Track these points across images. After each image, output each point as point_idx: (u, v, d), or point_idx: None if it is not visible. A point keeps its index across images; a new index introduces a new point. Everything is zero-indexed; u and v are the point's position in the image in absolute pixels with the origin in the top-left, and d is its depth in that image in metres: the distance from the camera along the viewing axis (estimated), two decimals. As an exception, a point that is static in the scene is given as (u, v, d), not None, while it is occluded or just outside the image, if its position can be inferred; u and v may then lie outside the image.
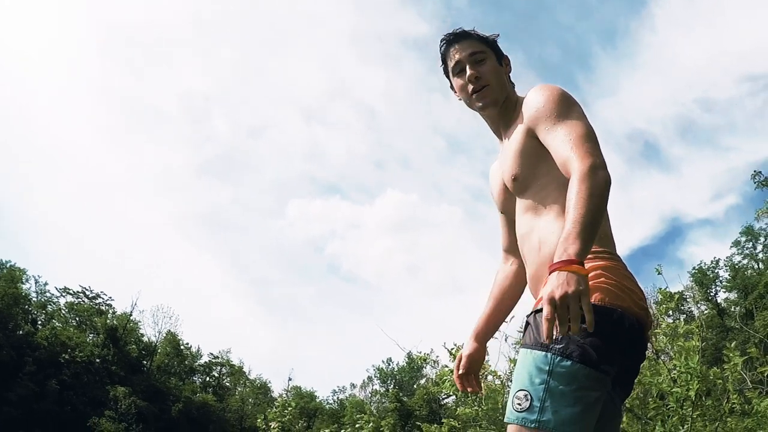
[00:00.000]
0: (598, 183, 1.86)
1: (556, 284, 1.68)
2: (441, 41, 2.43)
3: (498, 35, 2.42)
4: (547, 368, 1.82)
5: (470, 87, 2.34)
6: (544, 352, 1.85)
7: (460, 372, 2.56)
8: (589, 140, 2.00)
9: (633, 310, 1.90)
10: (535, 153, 2.18)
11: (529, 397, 1.82)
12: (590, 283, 1.80)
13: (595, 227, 1.81)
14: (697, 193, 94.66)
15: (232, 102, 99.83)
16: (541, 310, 1.92)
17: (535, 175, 2.20)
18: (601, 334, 1.78)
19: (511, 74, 2.46)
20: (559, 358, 1.81)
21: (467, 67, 2.35)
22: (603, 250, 2.02)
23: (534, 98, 2.20)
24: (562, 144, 2.02)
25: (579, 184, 1.86)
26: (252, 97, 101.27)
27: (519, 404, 1.84)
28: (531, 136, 2.18)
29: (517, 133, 2.24)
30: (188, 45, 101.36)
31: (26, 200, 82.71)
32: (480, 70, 2.33)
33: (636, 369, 2.09)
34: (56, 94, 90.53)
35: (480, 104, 2.36)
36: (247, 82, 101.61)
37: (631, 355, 1.96)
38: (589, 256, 1.91)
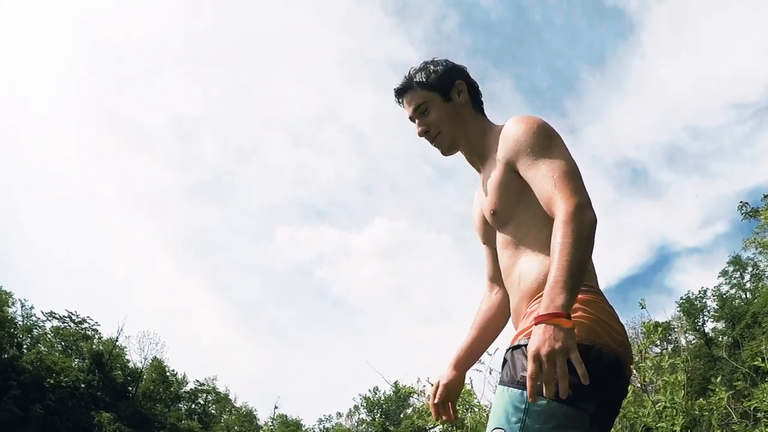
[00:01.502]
0: (584, 225, 1.83)
1: (542, 339, 1.65)
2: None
3: (441, 64, 2.38)
4: (523, 406, 1.79)
5: (425, 138, 2.36)
6: (520, 390, 1.82)
7: (436, 401, 2.50)
8: (573, 178, 1.95)
9: (611, 346, 1.86)
10: (515, 188, 2.14)
11: None
12: None
13: (581, 273, 1.78)
14: (685, 220, 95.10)
15: (222, 124, 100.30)
16: (518, 347, 1.92)
17: (515, 210, 2.16)
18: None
19: (473, 95, 2.39)
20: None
21: (416, 121, 2.35)
22: (583, 284, 1.94)
23: (513, 131, 2.13)
24: (544, 181, 1.98)
25: (564, 226, 1.82)
26: (241, 119, 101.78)
27: None
28: (511, 170, 2.14)
29: (497, 167, 2.20)
30: (178, 66, 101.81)
31: (12, 221, 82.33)
32: (427, 121, 2.32)
33: (617, 405, 2.06)
34: (44, 111, 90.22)
35: (440, 150, 2.38)
36: (237, 104, 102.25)
37: (611, 392, 1.93)
38: None
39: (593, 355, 1.80)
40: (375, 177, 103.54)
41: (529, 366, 1.65)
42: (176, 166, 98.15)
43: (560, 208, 1.88)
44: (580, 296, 1.87)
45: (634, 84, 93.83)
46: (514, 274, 2.17)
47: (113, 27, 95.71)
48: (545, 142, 2.06)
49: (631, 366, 2.07)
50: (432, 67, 2.36)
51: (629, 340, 2.09)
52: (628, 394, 5.28)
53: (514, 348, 1.96)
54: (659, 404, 5.21)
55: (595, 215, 1.88)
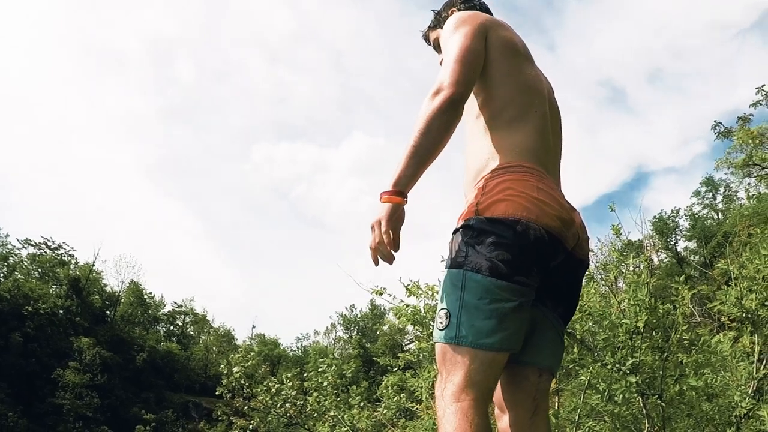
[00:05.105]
0: (431, 108, 1.97)
1: (373, 213, 1.96)
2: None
3: (434, 11, 2.66)
4: (460, 284, 1.88)
5: None
6: (457, 270, 1.91)
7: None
8: (449, 65, 2.08)
9: (542, 221, 1.91)
10: None
11: (448, 314, 1.88)
12: (496, 196, 1.93)
13: (420, 153, 1.96)
14: (664, 140, 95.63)
15: (196, 45, 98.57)
16: (456, 230, 2.02)
17: None
18: (507, 246, 1.86)
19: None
20: (470, 273, 1.87)
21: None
22: (517, 164, 2.06)
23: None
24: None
25: (419, 112, 2.00)
26: (216, 39, 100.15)
27: (441, 322, 1.90)
28: None
29: None
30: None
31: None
32: (440, 53, 2.47)
33: (570, 281, 2.13)
34: (16, 36, 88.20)
35: None
36: (212, 24, 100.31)
37: (551, 265, 1.97)
38: (499, 170, 2.04)
39: (520, 228, 1.88)
40: (352, 94, 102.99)
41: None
42: (151, 89, 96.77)
43: None
44: (510, 176, 2.02)
45: (615, 2, 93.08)
46: (465, 162, 2.28)
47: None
48: (447, 38, 2.22)
49: (583, 245, 2.11)
50: (436, 10, 2.66)
51: (580, 220, 2.14)
52: (592, 293, 5.38)
53: (453, 232, 2.04)
54: (624, 303, 5.29)
55: (451, 94, 2.00)
